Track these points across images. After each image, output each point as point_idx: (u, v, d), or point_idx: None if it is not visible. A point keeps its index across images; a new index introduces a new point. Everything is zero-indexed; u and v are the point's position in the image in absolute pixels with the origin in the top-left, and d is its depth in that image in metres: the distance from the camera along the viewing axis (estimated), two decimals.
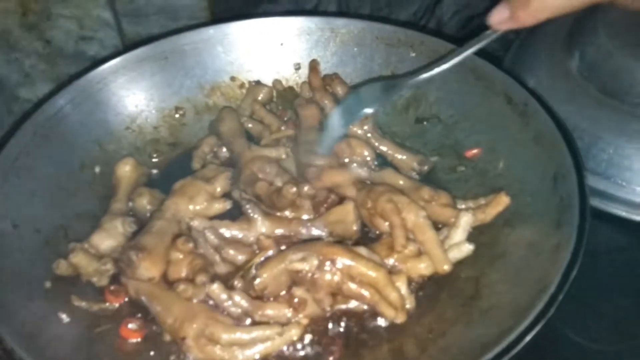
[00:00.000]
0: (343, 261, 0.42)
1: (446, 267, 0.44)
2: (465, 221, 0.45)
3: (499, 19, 0.46)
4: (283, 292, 0.44)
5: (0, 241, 0.45)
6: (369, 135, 0.56)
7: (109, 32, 0.73)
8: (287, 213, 0.50)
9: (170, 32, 0.65)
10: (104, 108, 0.58)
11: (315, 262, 0.42)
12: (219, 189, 0.51)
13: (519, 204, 0.47)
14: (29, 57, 0.74)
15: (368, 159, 0.53)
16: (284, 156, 0.54)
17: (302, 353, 0.42)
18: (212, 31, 0.63)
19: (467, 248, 0.44)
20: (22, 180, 0.49)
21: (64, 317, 0.43)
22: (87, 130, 0.57)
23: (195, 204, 0.49)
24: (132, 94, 0.60)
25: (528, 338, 0.35)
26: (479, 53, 0.59)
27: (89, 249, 0.46)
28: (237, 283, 0.44)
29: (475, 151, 0.55)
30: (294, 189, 0.47)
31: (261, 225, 0.48)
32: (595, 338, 0.48)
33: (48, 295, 0.44)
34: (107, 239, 0.47)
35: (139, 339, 0.43)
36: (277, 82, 0.64)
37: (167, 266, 0.46)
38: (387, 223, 0.47)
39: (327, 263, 0.42)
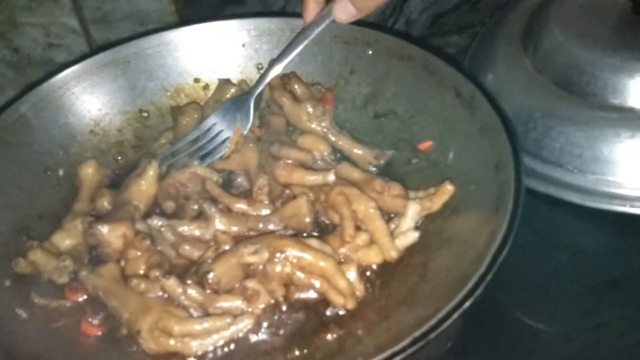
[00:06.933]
0: (293, 252, 0.43)
1: (393, 254, 0.45)
2: (413, 210, 0.47)
3: (344, 14, 0.53)
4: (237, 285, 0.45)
5: None
6: (325, 130, 0.58)
7: (76, 39, 0.74)
8: (246, 208, 0.51)
9: (133, 37, 0.66)
10: (67, 113, 0.59)
11: (266, 254, 0.43)
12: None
13: (465, 193, 0.48)
14: None
15: (325, 154, 0.55)
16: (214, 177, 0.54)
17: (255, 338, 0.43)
18: (173, 35, 0.65)
19: (413, 235, 0.46)
20: None
21: (22, 313, 0.44)
22: (51, 135, 0.58)
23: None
24: (96, 98, 0.61)
25: (455, 316, 0.36)
26: (431, 49, 0.61)
27: (49, 247, 0.47)
28: (191, 277, 0.45)
29: (428, 144, 0.56)
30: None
31: (218, 223, 0.49)
32: (547, 320, 0.50)
33: (7, 294, 0.45)
34: (67, 238, 0.48)
35: (99, 334, 0.44)
36: (242, 82, 0.65)
37: (125, 263, 0.47)
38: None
39: (278, 255, 0.43)
